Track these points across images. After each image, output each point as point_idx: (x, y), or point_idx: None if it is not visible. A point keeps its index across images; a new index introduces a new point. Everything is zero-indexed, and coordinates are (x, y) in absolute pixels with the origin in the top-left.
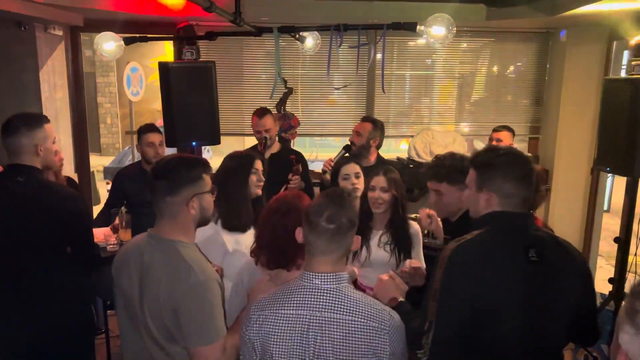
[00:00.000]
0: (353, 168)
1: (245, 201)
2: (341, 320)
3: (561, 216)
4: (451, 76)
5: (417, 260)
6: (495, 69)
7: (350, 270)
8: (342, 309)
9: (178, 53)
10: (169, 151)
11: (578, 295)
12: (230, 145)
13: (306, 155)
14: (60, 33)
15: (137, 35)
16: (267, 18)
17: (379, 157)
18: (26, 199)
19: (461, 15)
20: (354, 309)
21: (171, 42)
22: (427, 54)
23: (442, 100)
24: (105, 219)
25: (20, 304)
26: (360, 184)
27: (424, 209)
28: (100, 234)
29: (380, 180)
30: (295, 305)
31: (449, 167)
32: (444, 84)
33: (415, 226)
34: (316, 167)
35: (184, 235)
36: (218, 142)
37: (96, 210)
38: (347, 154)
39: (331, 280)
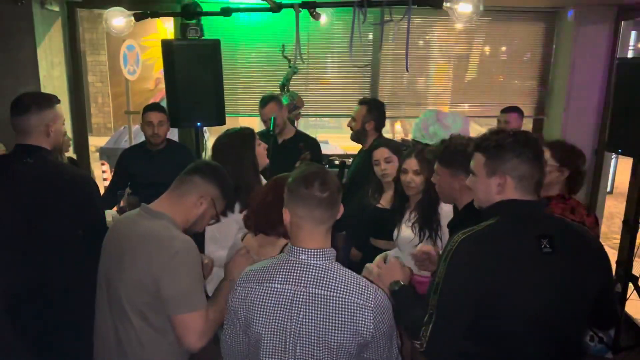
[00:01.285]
0: (382, 153)
1: (256, 175)
2: (326, 297)
3: None
4: (447, 57)
5: (428, 246)
6: (496, 49)
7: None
8: (327, 286)
9: (182, 30)
10: (173, 132)
11: (596, 284)
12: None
13: None
14: (57, 9)
15: (148, 11)
16: None
17: (379, 139)
18: (36, 180)
19: None
20: (340, 286)
21: (165, 20)
22: (423, 33)
23: (438, 80)
24: (110, 200)
25: (31, 288)
26: (390, 168)
27: (426, 245)
28: (107, 216)
29: (412, 163)
30: (281, 279)
31: (446, 148)
32: (440, 64)
33: (445, 208)
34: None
35: (179, 219)
36: (223, 123)
37: None
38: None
39: (319, 256)
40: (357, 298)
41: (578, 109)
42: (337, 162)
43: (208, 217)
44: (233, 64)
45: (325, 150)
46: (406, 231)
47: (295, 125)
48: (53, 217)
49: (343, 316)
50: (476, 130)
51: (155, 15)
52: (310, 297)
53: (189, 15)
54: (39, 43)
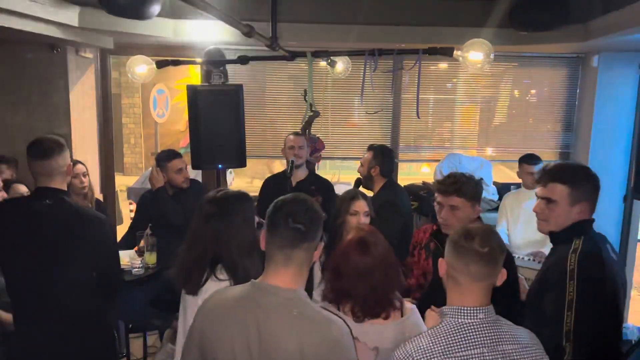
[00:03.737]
0: (363, 207)
1: None
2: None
3: None
4: (474, 100)
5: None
6: (520, 93)
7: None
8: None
9: (206, 76)
10: (195, 174)
11: None
12: (252, 167)
13: (328, 177)
14: (91, 56)
15: (169, 59)
16: (295, 42)
17: (389, 184)
18: (54, 222)
19: (490, 40)
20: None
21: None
22: (449, 77)
23: (464, 124)
24: (130, 241)
25: (44, 327)
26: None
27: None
28: (125, 256)
29: (361, 205)
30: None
31: (467, 184)
32: (466, 108)
33: None
34: (338, 189)
35: (301, 285)
36: (244, 165)
37: (119, 230)
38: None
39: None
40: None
41: (603, 154)
42: None
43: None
44: (258, 106)
45: None
46: None
47: (316, 167)
48: (68, 258)
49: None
50: (503, 172)
51: (176, 63)
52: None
53: (208, 63)
54: (72, 88)
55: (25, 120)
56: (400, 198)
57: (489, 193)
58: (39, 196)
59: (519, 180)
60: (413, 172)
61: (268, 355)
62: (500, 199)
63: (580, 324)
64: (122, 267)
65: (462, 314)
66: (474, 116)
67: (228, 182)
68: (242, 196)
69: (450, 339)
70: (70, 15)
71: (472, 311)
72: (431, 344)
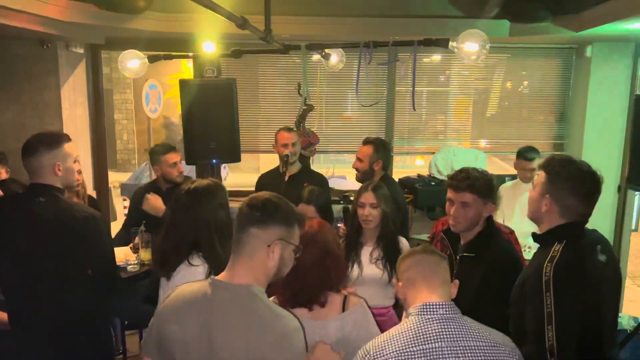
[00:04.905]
0: (368, 198)
1: None
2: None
3: None
4: (467, 92)
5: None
6: (514, 84)
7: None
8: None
9: (199, 70)
10: (188, 168)
11: None
12: (245, 162)
13: (322, 172)
14: (82, 51)
15: (162, 53)
16: (288, 35)
17: (384, 178)
18: (47, 219)
19: (484, 31)
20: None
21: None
22: (442, 70)
23: (457, 116)
24: (124, 238)
25: (40, 326)
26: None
27: None
28: (120, 253)
29: (369, 197)
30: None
31: (481, 180)
32: (460, 100)
33: (404, 242)
34: (333, 183)
35: (257, 282)
36: (238, 160)
37: (113, 227)
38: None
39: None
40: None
41: (597, 145)
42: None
43: (290, 257)
44: (251, 101)
45: (342, 186)
46: (370, 268)
47: (311, 161)
48: (62, 255)
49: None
50: (497, 164)
51: (168, 57)
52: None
53: (201, 56)
54: (62, 84)
55: (16, 117)
56: (397, 192)
57: None
58: (32, 193)
59: (514, 172)
60: (407, 165)
61: (217, 354)
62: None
63: (562, 337)
64: (117, 264)
65: (425, 310)
66: (468, 108)
67: (222, 177)
68: (215, 184)
69: (409, 335)
70: (59, 9)
71: (433, 306)
72: (389, 340)
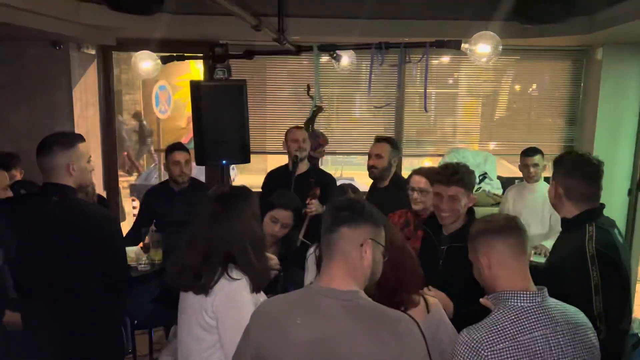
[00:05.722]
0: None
1: None
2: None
3: None
4: (476, 94)
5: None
6: (523, 87)
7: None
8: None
9: (209, 72)
10: (198, 169)
11: None
12: (253, 163)
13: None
14: (93, 52)
15: (174, 54)
16: (299, 37)
17: (396, 177)
18: (60, 219)
19: (495, 32)
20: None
21: (198, 61)
22: (451, 71)
23: (466, 118)
24: (135, 238)
25: (52, 324)
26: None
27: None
28: (131, 253)
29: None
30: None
31: (467, 174)
32: (469, 102)
33: None
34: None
35: (358, 286)
36: (248, 161)
37: (123, 227)
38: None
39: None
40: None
41: (608, 148)
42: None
43: (379, 259)
44: (259, 102)
45: None
46: None
47: (320, 163)
48: (76, 254)
49: None
50: (505, 167)
51: (181, 58)
52: None
53: (212, 57)
54: (74, 84)
55: (28, 117)
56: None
57: (494, 187)
58: (45, 192)
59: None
60: (416, 167)
61: None
62: (504, 193)
63: (608, 306)
64: (129, 264)
65: (521, 298)
66: (476, 110)
67: (231, 178)
68: (245, 191)
69: (513, 325)
70: (73, 10)
71: (528, 295)
72: (495, 331)
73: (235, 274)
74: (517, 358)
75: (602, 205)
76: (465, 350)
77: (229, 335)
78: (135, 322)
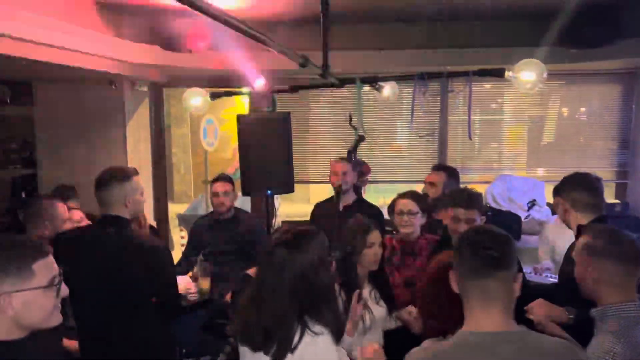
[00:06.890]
0: (378, 237)
1: None
2: None
3: None
4: (521, 119)
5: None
6: (571, 111)
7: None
8: None
9: (254, 104)
10: (245, 199)
11: None
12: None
13: (374, 201)
14: (145, 89)
15: (222, 90)
16: (340, 69)
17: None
18: (116, 249)
19: (540, 59)
20: None
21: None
22: (495, 97)
23: (512, 144)
24: (184, 267)
25: (105, 353)
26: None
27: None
28: (180, 282)
29: (377, 236)
30: None
31: (480, 197)
32: (514, 127)
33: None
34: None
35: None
36: (292, 191)
37: None
38: None
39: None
40: None
41: None
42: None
43: None
44: (303, 132)
45: None
46: (377, 309)
47: (363, 191)
48: (130, 284)
49: None
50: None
51: (229, 94)
52: None
53: (256, 92)
54: (128, 121)
55: (86, 152)
56: None
57: (542, 214)
58: (103, 224)
59: None
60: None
61: None
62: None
63: None
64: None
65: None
66: (522, 136)
67: (275, 207)
68: (313, 233)
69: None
70: (130, 52)
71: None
72: (618, 344)
73: (316, 327)
74: None
75: (607, 216)
76: None
77: None
78: (184, 350)
